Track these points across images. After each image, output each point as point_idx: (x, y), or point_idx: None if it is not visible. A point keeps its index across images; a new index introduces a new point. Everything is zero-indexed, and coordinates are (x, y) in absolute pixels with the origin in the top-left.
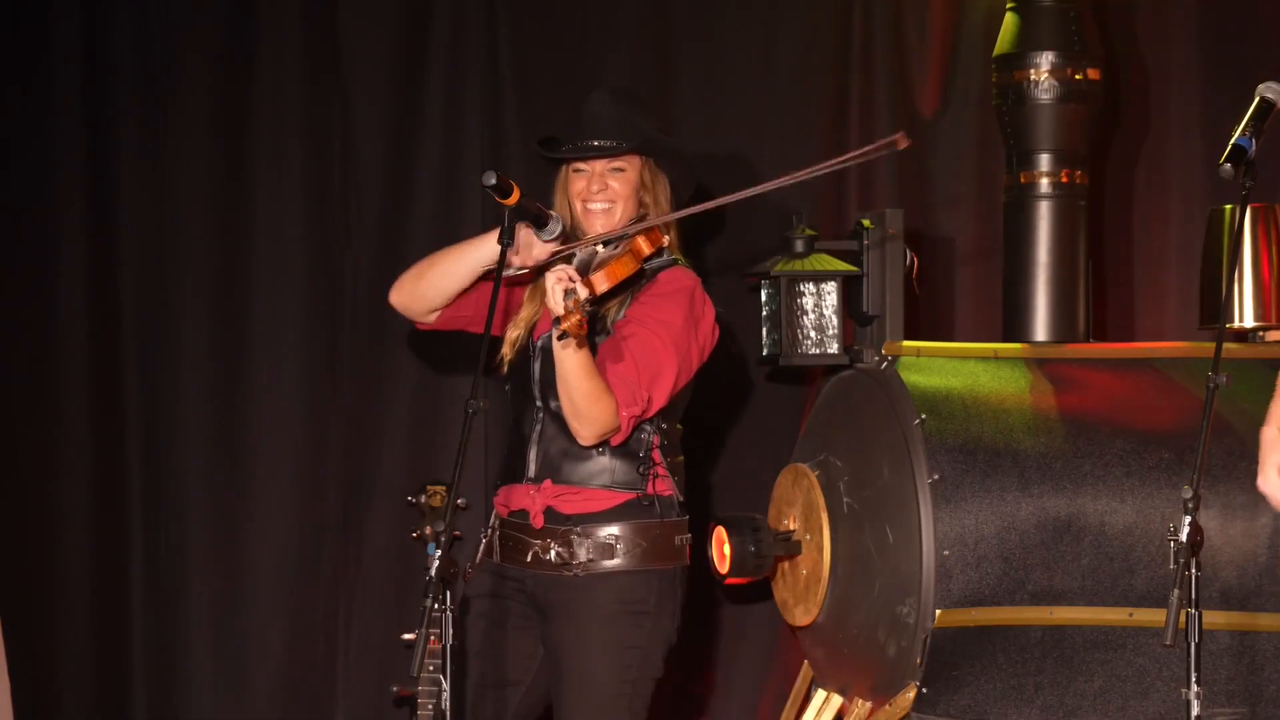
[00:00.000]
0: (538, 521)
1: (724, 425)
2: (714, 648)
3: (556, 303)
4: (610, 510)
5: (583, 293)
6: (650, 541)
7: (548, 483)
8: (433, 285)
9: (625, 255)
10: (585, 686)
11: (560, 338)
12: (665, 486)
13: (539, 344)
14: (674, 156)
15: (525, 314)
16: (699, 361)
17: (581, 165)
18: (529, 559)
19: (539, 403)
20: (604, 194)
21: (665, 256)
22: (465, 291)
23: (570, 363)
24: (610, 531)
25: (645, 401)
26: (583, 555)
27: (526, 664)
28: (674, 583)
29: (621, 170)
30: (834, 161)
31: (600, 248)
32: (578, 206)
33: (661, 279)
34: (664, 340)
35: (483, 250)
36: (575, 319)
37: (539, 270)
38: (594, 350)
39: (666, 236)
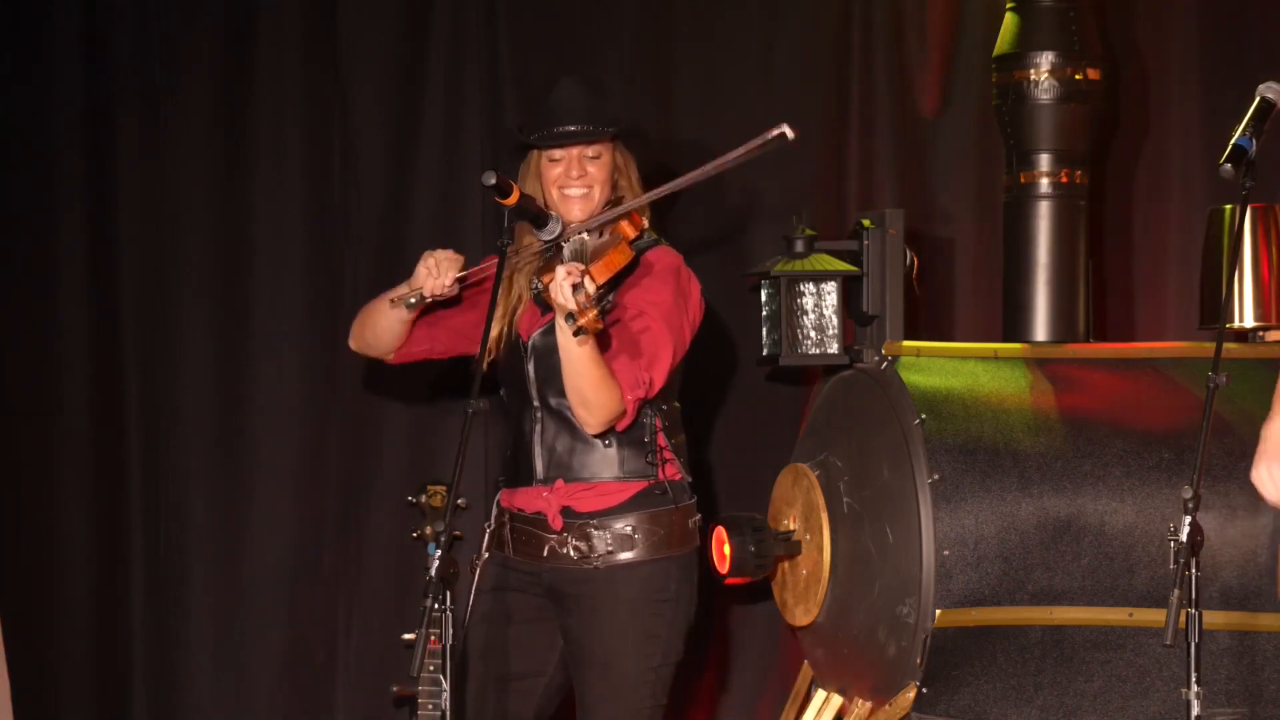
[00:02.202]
0: (556, 523)
1: (724, 425)
2: (714, 647)
3: (568, 299)
4: (625, 502)
5: (590, 286)
6: (666, 529)
7: (560, 482)
8: (374, 328)
9: (619, 244)
10: (609, 677)
11: (576, 334)
12: (674, 471)
13: (530, 343)
14: (643, 138)
15: (501, 310)
16: (690, 336)
17: (557, 153)
18: (545, 554)
19: (536, 402)
20: (582, 180)
21: (646, 238)
22: (411, 329)
23: (576, 352)
24: (627, 522)
25: (648, 384)
26: (601, 548)
27: (546, 655)
28: (691, 566)
29: (597, 156)
30: (727, 158)
31: (586, 236)
32: (554, 193)
33: (646, 260)
34: (658, 321)
35: (395, 291)
36: (591, 314)
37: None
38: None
39: (645, 218)
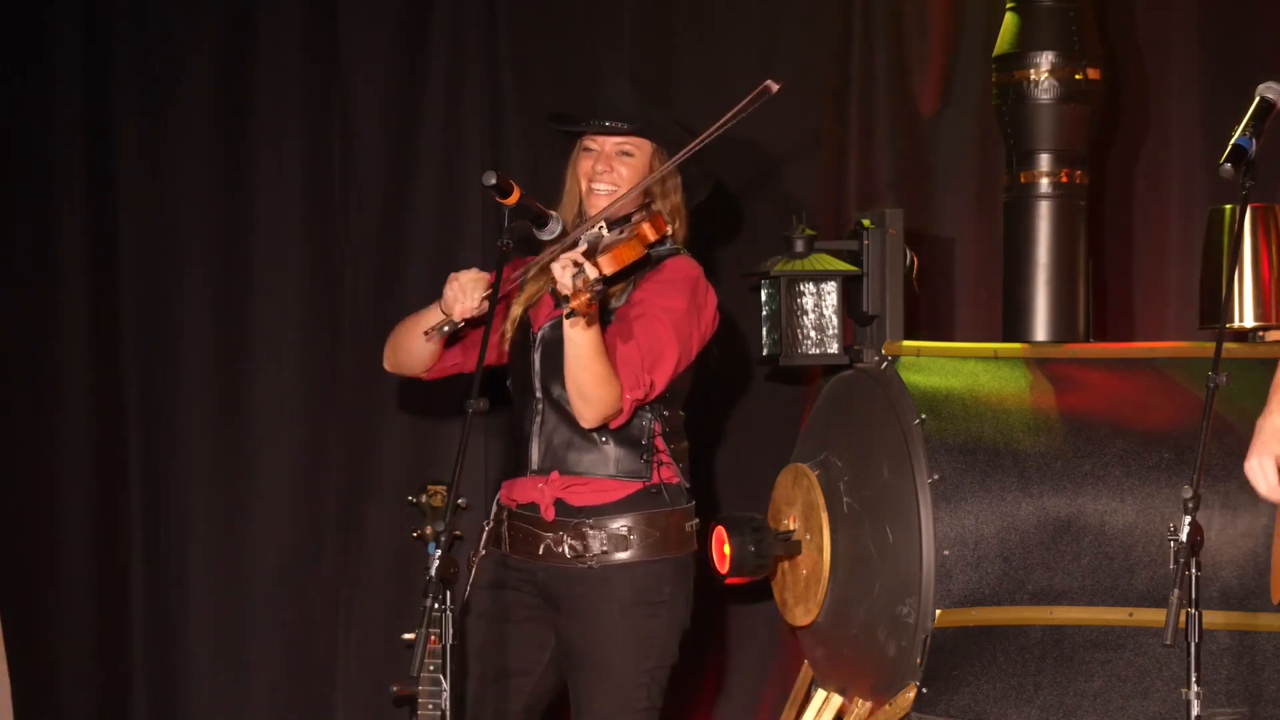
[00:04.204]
0: (549, 514)
1: (724, 425)
2: (714, 647)
3: (565, 282)
4: (620, 501)
5: (591, 273)
6: (662, 530)
7: (555, 474)
8: (408, 353)
9: (631, 240)
10: (604, 678)
11: (568, 315)
12: (670, 474)
13: (539, 335)
14: (680, 147)
15: (526, 293)
16: (699, 348)
17: (591, 144)
18: (540, 552)
19: (539, 394)
20: (609, 176)
21: (669, 245)
22: (443, 350)
23: (580, 343)
24: (623, 523)
25: (648, 386)
26: (596, 548)
27: (537, 654)
28: (686, 569)
29: (630, 155)
30: (718, 124)
31: (605, 232)
32: (584, 185)
33: (666, 266)
34: (666, 326)
35: (430, 318)
36: (584, 297)
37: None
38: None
39: (671, 226)
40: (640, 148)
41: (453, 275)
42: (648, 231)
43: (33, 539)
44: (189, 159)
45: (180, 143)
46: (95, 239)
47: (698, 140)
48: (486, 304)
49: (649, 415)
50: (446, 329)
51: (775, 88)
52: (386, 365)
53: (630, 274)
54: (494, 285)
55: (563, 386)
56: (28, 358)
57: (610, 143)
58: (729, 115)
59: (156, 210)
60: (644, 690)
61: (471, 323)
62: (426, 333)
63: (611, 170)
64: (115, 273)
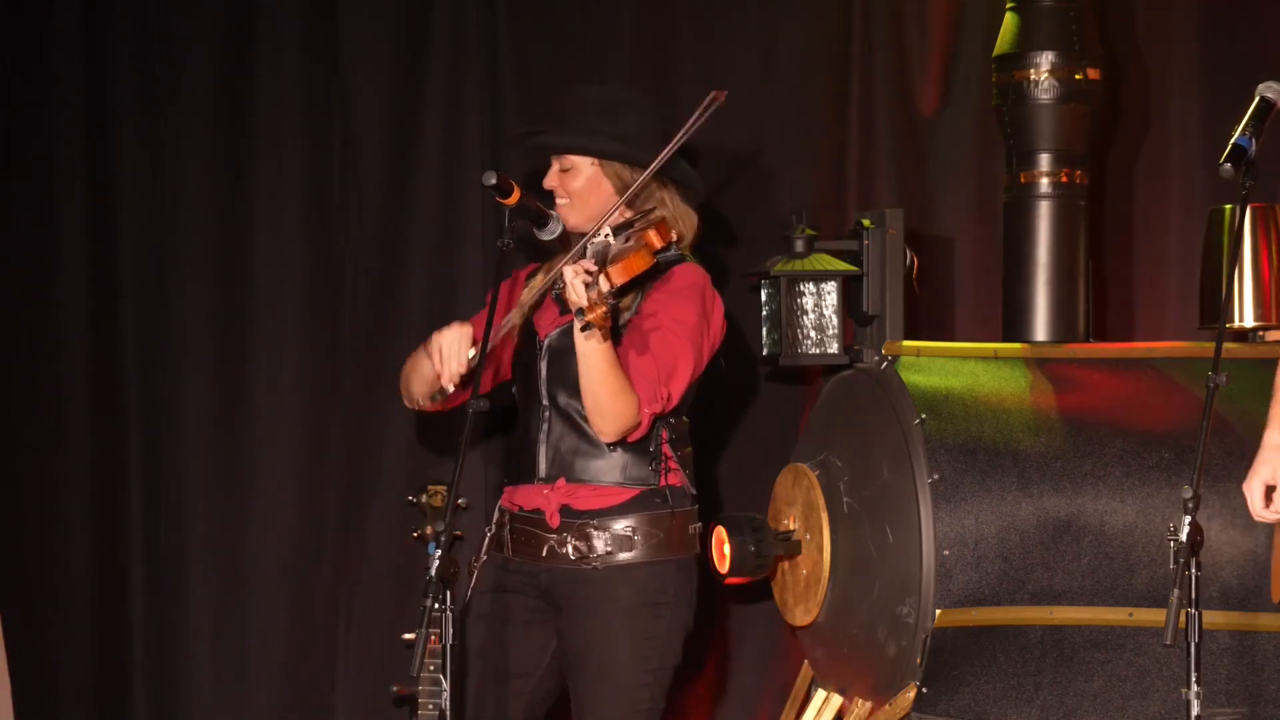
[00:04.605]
0: (554, 520)
1: (725, 425)
2: (714, 647)
3: (580, 295)
4: (624, 503)
5: (605, 285)
6: (665, 532)
7: (561, 481)
8: (421, 398)
9: (640, 249)
10: (606, 679)
11: (584, 329)
12: (676, 479)
13: (545, 342)
14: (617, 158)
15: (526, 299)
16: (709, 356)
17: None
18: (544, 554)
19: (546, 401)
20: (560, 189)
21: (674, 251)
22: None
23: (594, 357)
24: (627, 524)
25: (665, 398)
26: (600, 548)
27: (538, 656)
28: (690, 571)
29: (566, 170)
30: (679, 134)
31: (611, 239)
32: None
33: (673, 274)
34: (680, 337)
35: (425, 369)
36: (600, 311)
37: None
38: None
39: (675, 231)
40: (575, 162)
41: (435, 335)
42: (654, 239)
43: (33, 539)
44: (189, 159)
45: (180, 143)
46: (95, 239)
47: (655, 163)
48: (475, 359)
49: (656, 423)
50: (438, 398)
51: (720, 99)
52: (407, 403)
53: (640, 284)
54: (493, 290)
55: (570, 394)
56: (28, 358)
57: (554, 158)
58: (684, 130)
59: (156, 210)
60: (646, 691)
61: (464, 380)
62: (432, 398)
63: (559, 183)
64: (115, 273)
